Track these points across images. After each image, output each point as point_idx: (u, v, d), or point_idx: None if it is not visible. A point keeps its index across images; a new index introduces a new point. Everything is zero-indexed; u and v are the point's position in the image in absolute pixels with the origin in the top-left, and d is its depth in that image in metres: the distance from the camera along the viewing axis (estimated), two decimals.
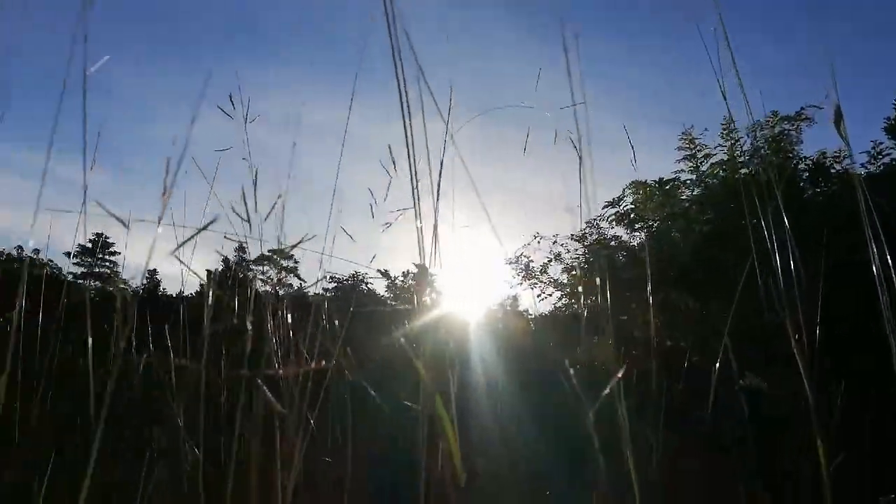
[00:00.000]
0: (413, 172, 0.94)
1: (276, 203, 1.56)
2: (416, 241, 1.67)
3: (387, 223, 1.78)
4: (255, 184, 1.60)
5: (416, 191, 0.97)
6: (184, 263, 1.16)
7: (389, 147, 1.77)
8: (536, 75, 1.70)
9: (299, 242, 1.44)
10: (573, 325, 8.10)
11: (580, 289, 8.26)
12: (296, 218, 1.64)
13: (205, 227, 0.97)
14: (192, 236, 0.98)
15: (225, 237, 1.49)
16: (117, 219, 0.98)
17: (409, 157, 0.93)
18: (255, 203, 1.56)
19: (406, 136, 0.91)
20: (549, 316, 9.36)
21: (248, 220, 1.53)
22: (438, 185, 0.99)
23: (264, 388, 1.24)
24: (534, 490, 2.62)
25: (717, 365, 1.57)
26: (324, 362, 1.66)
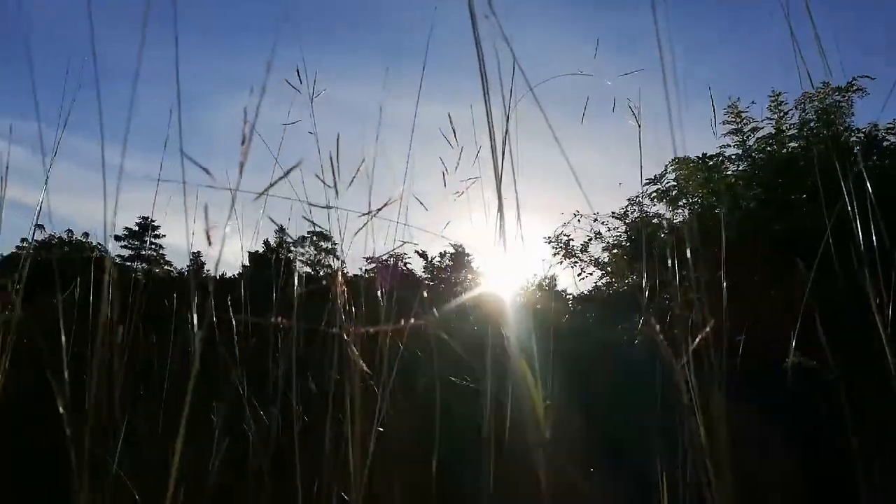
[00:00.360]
0: (493, 144, 0.92)
1: (359, 167, 1.55)
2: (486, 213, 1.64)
3: (457, 192, 1.86)
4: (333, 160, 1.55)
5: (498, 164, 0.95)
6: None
7: (449, 115, 1.79)
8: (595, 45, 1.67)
9: (383, 207, 1.46)
10: (613, 304, 8.00)
11: (621, 266, 8.14)
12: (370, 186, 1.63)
13: (288, 172, 0.93)
14: (282, 177, 0.93)
15: (309, 204, 1.47)
16: (201, 166, 0.97)
17: (489, 131, 0.91)
18: (338, 169, 1.52)
19: (486, 111, 0.88)
20: (589, 296, 9.25)
21: (336, 187, 1.51)
22: (502, 163, 0.96)
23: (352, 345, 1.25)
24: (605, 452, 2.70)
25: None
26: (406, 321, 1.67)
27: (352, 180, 1.54)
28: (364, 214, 1.50)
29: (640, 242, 7.34)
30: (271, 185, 0.96)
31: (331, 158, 1.50)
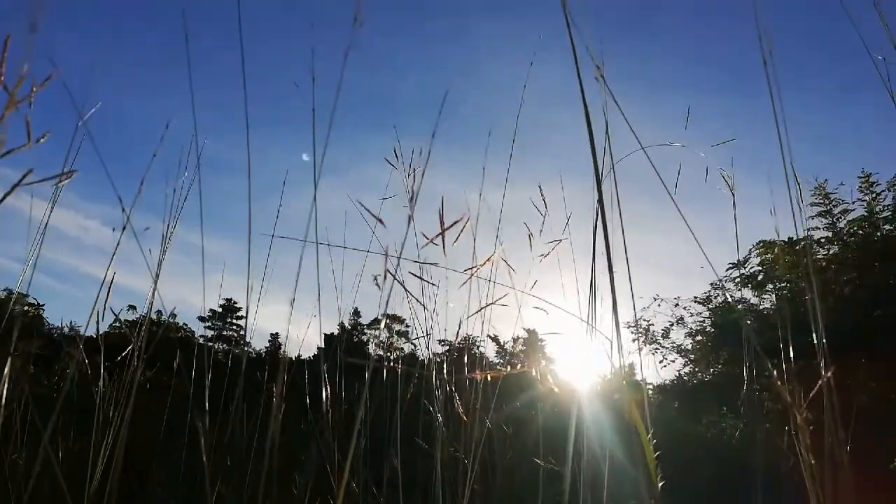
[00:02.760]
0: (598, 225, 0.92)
1: (462, 228, 1.61)
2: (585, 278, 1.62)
3: (542, 254, 1.88)
4: (441, 214, 1.60)
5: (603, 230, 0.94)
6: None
7: (540, 187, 1.84)
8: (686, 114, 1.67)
9: (485, 262, 1.49)
10: (697, 395, 7.56)
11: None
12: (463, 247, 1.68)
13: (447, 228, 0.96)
14: (437, 235, 0.98)
15: (418, 262, 1.51)
16: (370, 211, 1.00)
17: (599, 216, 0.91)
18: (443, 233, 1.57)
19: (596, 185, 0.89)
20: (671, 385, 8.81)
21: (443, 247, 1.55)
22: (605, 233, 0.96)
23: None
24: None
25: None
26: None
27: (457, 237, 1.59)
28: (467, 270, 1.54)
29: (725, 329, 6.99)
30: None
31: (440, 216, 1.55)
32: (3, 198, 0.71)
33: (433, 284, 1.59)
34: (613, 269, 0.83)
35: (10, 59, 0.73)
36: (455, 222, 1.56)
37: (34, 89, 0.75)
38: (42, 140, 0.74)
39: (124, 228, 1.55)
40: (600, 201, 0.82)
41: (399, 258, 1.30)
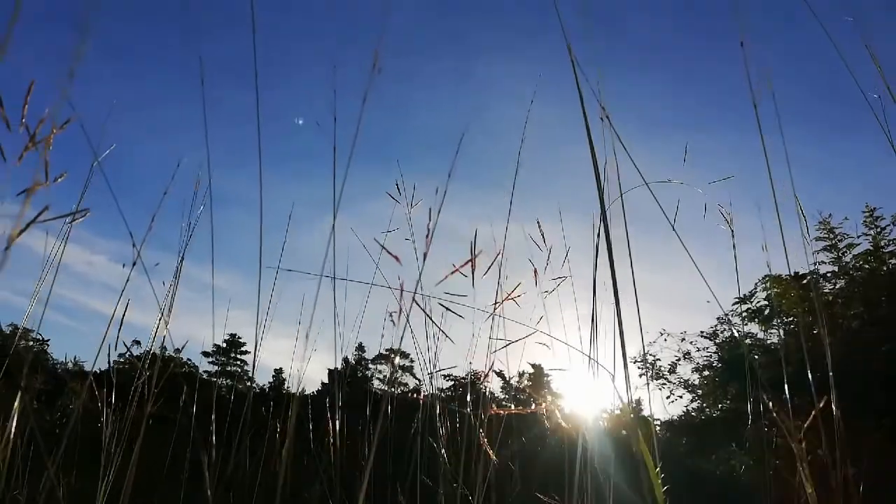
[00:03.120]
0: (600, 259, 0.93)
1: (494, 260, 1.64)
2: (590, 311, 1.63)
3: (546, 291, 1.91)
4: (472, 248, 1.62)
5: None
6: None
7: (538, 222, 1.87)
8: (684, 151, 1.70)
9: (512, 293, 1.52)
10: (704, 431, 7.45)
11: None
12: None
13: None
14: (465, 264, 0.99)
15: (447, 294, 1.52)
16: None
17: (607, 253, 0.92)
18: (474, 263, 1.60)
19: (603, 227, 0.90)
20: (678, 421, 8.69)
21: (472, 279, 1.58)
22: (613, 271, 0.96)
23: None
24: None
25: None
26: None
27: (488, 269, 1.62)
28: (494, 304, 1.56)
29: (732, 364, 6.93)
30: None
31: (471, 249, 1.57)
32: (20, 233, 0.73)
33: (461, 317, 1.60)
34: (619, 296, 0.83)
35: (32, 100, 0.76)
36: (475, 255, 1.57)
37: (53, 131, 0.77)
38: (59, 180, 0.76)
39: (134, 264, 1.57)
40: (606, 231, 0.83)
41: (415, 293, 1.31)
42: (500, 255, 1.72)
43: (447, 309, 1.51)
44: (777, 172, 1.35)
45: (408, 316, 1.39)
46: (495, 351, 1.80)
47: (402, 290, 1.42)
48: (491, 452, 1.68)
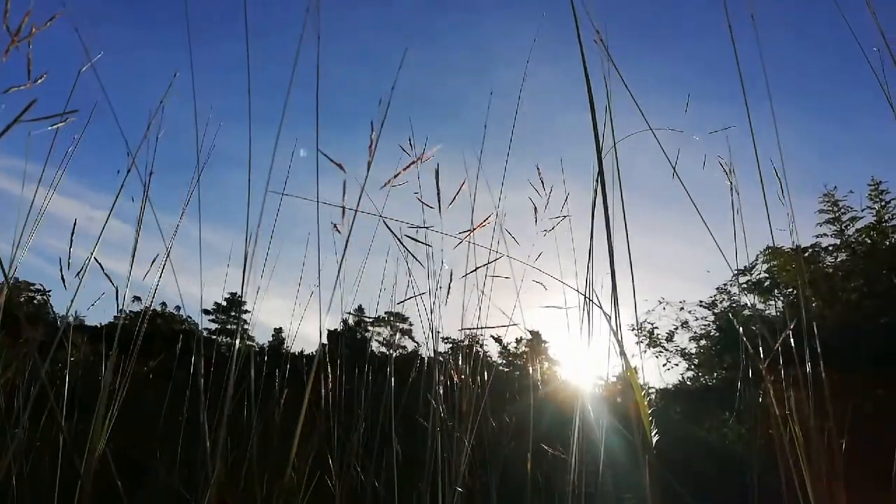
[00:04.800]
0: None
1: (460, 188, 1.66)
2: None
3: (544, 230, 1.93)
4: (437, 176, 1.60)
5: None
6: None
7: (537, 167, 1.86)
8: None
9: (482, 224, 1.54)
10: (699, 399, 7.53)
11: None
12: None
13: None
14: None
15: (411, 226, 1.52)
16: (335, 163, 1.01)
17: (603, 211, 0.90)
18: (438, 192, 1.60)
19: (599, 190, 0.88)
20: (673, 390, 8.78)
21: (439, 207, 1.59)
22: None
23: None
24: None
25: None
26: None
27: (453, 199, 1.61)
28: (463, 233, 1.55)
29: (730, 333, 6.97)
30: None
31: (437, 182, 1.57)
32: (6, 130, 0.72)
33: (428, 245, 1.59)
34: (612, 236, 0.82)
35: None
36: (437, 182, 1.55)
37: (34, 28, 0.76)
38: (40, 81, 0.75)
39: (140, 224, 1.56)
40: (600, 171, 0.81)
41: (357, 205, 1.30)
42: (464, 185, 1.71)
43: (413, 239, 1.49)
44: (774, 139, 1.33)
45: (351, 227, 1.37)
46: (476, 269, 1.79)
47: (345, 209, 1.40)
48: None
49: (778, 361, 1.43)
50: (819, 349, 1.43)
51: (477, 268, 1.79)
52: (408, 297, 1.89)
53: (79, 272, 1.44)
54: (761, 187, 1.40)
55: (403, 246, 1.44)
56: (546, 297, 1.70)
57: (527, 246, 1.91)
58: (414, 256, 1.59)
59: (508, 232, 1.83)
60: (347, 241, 1.28)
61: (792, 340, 1.40)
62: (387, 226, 1.34)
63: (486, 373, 2.06)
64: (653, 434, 0.78)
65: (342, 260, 1.31)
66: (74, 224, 1.46)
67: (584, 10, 0.86)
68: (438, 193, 1.60)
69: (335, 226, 1.33)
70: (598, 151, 0.82)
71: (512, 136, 1.92)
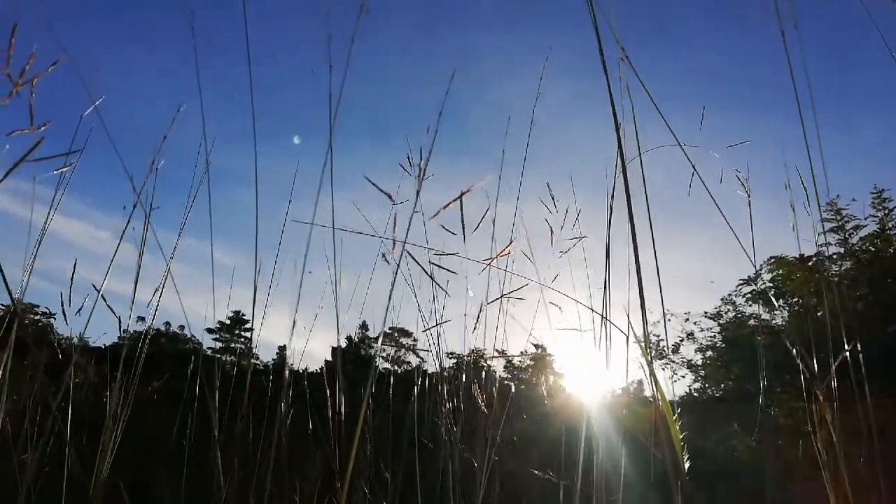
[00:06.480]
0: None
1: (484, 215, 1.65)
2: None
3: (560, 251, 1.91)
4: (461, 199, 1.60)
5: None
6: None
7: (548, 185, 1.87)
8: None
9: (503, 252, 1.53)
10: (706, 411, 7.49)
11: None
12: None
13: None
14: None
15: (437, 253, 1.51)
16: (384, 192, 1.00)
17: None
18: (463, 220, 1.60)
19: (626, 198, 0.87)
20: (679, 402, 8.72)
21: (463, 233, 1.59)
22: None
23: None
24: None
25: None
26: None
27: (477, 225, 1.61)
28: (486, 260, 1.55)
29: (735, 345, 6.93)
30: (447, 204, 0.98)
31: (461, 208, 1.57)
32: (10, 171, 0.73)
33: (453, 272, 1.58)
34: (639, 251, 0.81)
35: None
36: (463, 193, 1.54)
37: (37, 75, 0.76)
38: (43, 128, 0.75)
39: (134, 207, 1.57)
40: (625, 185, 0.81)
41: (405, 243, 1.30)
42: (490, 210, 1.71)
43: (439, 266, 1.49)
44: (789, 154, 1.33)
45: (398, 262, 1.37)
46: (505, 295, 1.79)
47: (394, 241, 1.41)
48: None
49: (788, 372, 1.42)
50: (863, 365, 1.42)
51: (502, 295, 1.79)
52: (434, 324, 1.89)
53: (79, 309, 1.44)
54: (789, 201, 1.40)
55: (430, 276, 1.45)
56: (561, 317, 1.70)
57: (541, 265, 1.91)
58: (440, 286, 1.60)
59: (525, 255, 1.83)
60: (397, 272, 1.29)
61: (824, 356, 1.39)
62: (412, 257, 1.35)
63: (493, 391, 2.05)
64: (685, 459, 0.77)
65: (391, 290, 1.32)
66: (74, 266, 1.47)
67: (607, 26, 0.86)
68: (462, 220, 1.59)
69: (384, 255, 1.35)
70: (624, 171, 0.82)
71: (526, 153, 1.93)
